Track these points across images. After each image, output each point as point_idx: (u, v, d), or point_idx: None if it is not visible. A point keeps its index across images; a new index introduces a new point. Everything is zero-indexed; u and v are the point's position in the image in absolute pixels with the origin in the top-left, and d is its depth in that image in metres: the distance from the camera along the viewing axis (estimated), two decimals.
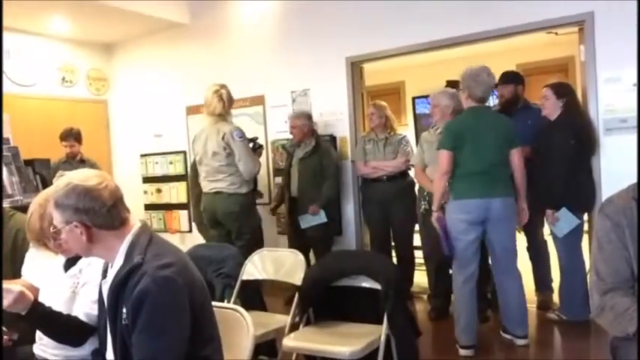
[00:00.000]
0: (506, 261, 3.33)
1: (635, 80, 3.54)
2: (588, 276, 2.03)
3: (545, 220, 3.72)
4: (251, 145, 4.20)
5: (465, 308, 3.28)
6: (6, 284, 1.77)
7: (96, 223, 1.56)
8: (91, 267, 1.91)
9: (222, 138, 3.82)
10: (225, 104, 3.99)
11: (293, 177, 4.53)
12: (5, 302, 1.73)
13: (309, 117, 4.56)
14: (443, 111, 3.81)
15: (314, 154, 4.42)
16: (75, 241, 1.59)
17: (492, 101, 4.50)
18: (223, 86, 4.03)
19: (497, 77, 4.22)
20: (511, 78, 4.17)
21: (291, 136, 4.62)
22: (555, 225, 3.60)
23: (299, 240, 4.41)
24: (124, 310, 1.51)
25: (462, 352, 3.26)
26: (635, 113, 3.54)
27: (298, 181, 4.47)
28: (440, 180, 3.29)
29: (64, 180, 1.59)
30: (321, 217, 4.38)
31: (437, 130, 3.89)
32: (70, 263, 1.99)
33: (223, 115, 3.99)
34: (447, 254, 3.33)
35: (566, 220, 3.56)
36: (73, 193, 1.55)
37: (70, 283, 1.95)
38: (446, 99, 3.82)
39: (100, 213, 1.55)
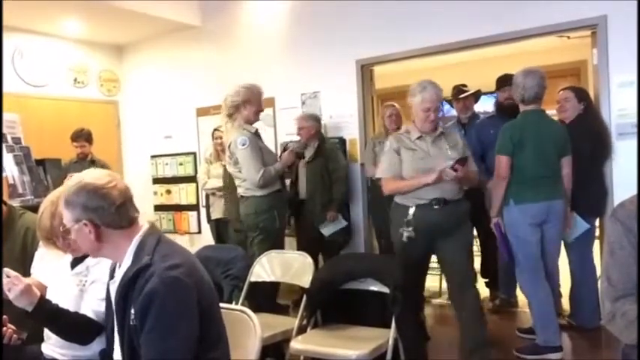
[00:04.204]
0: (555, 260, 3.44)
1: None
2: (599, 282, 2.01)
3: None
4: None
5: (550, 305, 3.27)
6: (17, 274, 1.80)
7: (104, 222, 1.57)
8: (99, 265, 1.92)
9: (229, 147, 3.76)
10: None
11: (301, 180, 4.53)
12: (12, 293, 1.75)
13: (317, 119, 4.58)
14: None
15: (318, 156, 4.42)
16: (84, 239, 1.60)
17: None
18: (240, 89, 3.67)
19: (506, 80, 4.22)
20: (510, 81, 4.11)
21: (297, 138, 4.59)
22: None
23: (309, 242, 4.40)
24: (132, 311, 1.51)
25: (553, 355, 3.19)
26: None
27: (307, 184, 4.47)
28: (501, 186, 3.28)
29: (75, 179, 1.61)
30: (341, 222, 4.42)
31: (412, 136, 3.37)
32: (76, 261, 2.00)
33: (234, 121, 3.72)
34: (506, 260, 3.45)
35: (575, 224, 3.52)
36: (82, 191, 1.56)
37: (76, 280, 1.96)
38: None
39: (109, 212, 1.56)
